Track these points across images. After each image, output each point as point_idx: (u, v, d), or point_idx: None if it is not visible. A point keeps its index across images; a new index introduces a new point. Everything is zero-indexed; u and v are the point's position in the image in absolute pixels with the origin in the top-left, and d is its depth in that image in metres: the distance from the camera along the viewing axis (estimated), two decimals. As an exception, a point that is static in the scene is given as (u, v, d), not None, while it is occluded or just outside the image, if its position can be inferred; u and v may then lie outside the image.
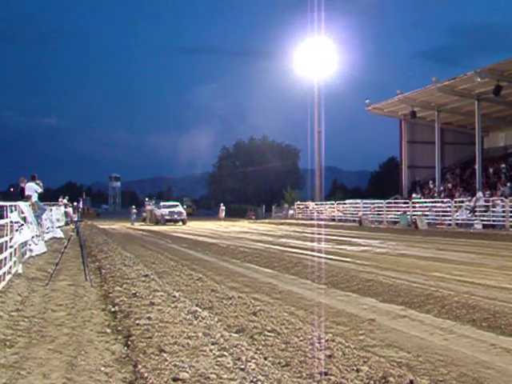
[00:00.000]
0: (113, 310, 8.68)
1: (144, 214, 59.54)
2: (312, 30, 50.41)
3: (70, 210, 44.13)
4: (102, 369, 5.70)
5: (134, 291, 9.95)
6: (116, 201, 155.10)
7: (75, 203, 53.79)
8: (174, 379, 5.11)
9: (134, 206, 57.32)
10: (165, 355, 5.83)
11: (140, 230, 40.88)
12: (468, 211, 32.34)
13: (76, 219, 18.24)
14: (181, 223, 49.63)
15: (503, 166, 41.54)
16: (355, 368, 5.60)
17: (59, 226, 30.42)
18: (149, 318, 7.60)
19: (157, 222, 50.40)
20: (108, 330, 7.43)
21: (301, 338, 6.77)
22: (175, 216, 50.14)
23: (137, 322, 7.46)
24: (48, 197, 45.70)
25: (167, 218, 49.52)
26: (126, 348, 6.49)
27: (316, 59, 50.60)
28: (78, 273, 13.17)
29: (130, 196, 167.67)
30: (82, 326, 7.60)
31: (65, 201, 46.32)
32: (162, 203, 55.09)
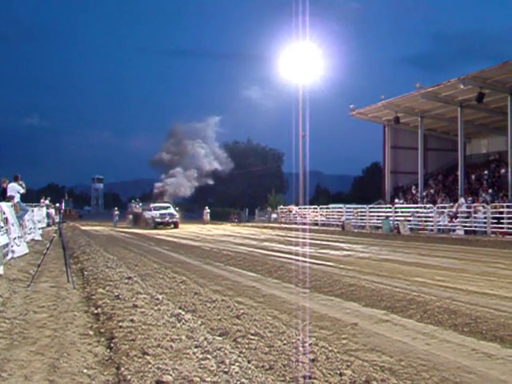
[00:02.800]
0: (95, 312, 8.63)
1: (130, 217, 57.50)
2: (297, 34, 50.50)
3: (51, 211, 43.89)
4: (85, 371, 5.67)
5: (116, 293, 9.91)
6: (99, 202, 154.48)
7: (57, 204, 53.43)
8: (157, 382, 5.09)
9: (116, 208, 57.04)
10: (148, 358, 5.81)
11: (123, 231, 40.74)
12: (450, 217, 32.55)
13: (58, 220, 18.12)
14: (172, 226, 47.14)
15: (485, 172, 41.91)
16: (338, 372, 5.62)
17: (41, 228, 30.23)
18: (132, 321, 7.57)
19: (146, 225, 47.74)
20: (90, 332, 7.39)
21: (284, 342, 6.78)
22: (167, 219, 47.20)
23: (120, 324, 7.42)
24: (30, 198, 45.34)
25: (158, 220, 46.60)
26: (108, 350, 6.46)
27: (301, 64, 50.72)
28: (60, 274, 13.08)
29: (112, 198, 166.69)
30: (64, 328, 7.55)
31: (47, 202, 46.07)
32: (152, 205, 51.57)
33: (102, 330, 7.42)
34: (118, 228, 47.86)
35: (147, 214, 48.67)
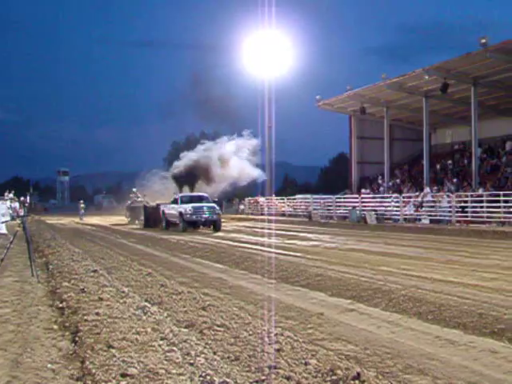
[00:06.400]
0: (60, 305, 8.56)
1: (127, 213, 44.85)
2: (263, 24, 50.36)
3: (16, 204, 43.32)
4: (49, 366, 5.62)
5: (82, 287, 9.83)
6: (64, 195, 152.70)
7: (22, 198, 52.73)
8: (123, 375, 5.07)
9: (82, 201, 56.24)
10: (113, 351, 5.78)
11: (89, 224, 40.35)
12: (416, 206, 32.88)
13: (22, 214, 17.89)
14: (207, 227, 31.88)
15: (450, 162, 42.38)
16: (304, 361, 5.64)
17: (4, 222, 29.81)
18: (97, 314, 7.52)
19: (166, 226, 33.17)
20: (55, 327, 7.32)
21: (250, 333, 6.79)
22: (205, 215, 30.97)
23: (85, 317, 7.37)
24: (-7, 191, 44.61)
25: (191, 218, 30.77)
26: (73, 344, 6.41)
27: (267, 54, 50.60)
28: (25, 268, 12.92)
29: (78, 190, 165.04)
30: (28, 323, 7.47)
31: (10, 195, 45.44)
32: (179, 194, 35.64)
33: (66, 324, 7.36)
34: (84, 221, 47.27)
35: (169, 210, 33.01)
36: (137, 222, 40.17)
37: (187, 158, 45.66)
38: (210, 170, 44.10)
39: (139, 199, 44.36)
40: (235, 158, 45.56)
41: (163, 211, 33.76)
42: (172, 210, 32.49)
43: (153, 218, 35.53)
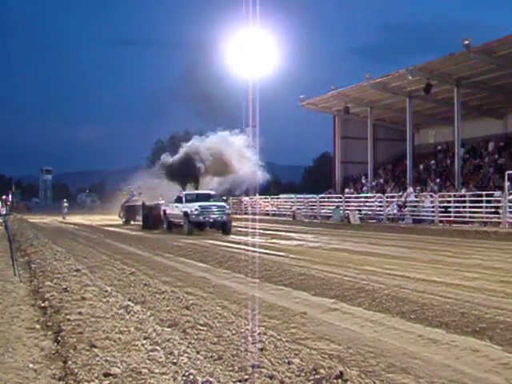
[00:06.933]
0: (42, 305, 8.51)
1: (122, 212, 41.35)
2: (247, 24, 50.30)
3: (-2, 203, 43.01)
4: (31, 365, 5.59)
5: (64, 286, 9.78)
6: (47, 194, 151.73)
7: (4, 196, 52.36)
8: (105, 374, 5.05)
9: (65, 200, 55.84)
10: (96, 350, 5.76)
11: (72, 223, 40.15)
12: (399, 206, 33.02)
13: (4, 213, 17.78)
14: (215, 229, 28.17)
15: (433, 162, 42.61)
16: (287, 360, 5.66)
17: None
18: (80, 313, 7.49)
19: (168, 228, 30.28)
20: (37, 326, 7.28)
21: (233, 332, 6.79)
22: (214, 216, 27.46)
23: (67, 317, 7.33)
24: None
25: (198, 219, 27.30)
26: (55, 344, 6.38)
27: (251, 53, 50.58)
28: (7, 268, 12.84)
29: (61, 189, 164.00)
30: (9, 323, 7.42)
31: (-8, 194, 45.11)
32: (183, 192, 31.10)
33: (49, 324, 7.32)
34: (67, 220, 46.98)
35: (172, 209, 29.79)
36: (132, 222, 37.81)
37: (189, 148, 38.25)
38: (224, 159, 37.12)
39: (134, 198, 40.72)
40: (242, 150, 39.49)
41: (164, 211, 30.63)
42: (175, 210, 29.03)
43: (152, 219, 32.41)
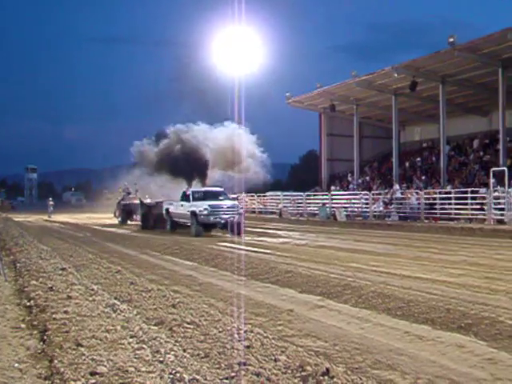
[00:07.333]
0: (28, 304, 8.47)
1: (118, 211, 38.99)
2: (233, 21, 50.19)
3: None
4: (16, 365, 5.57)
5: (50, 285, 9.73)
6: (32, 193, 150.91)
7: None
8: (92, 373, 5.03)
9: (50, 198, 55.50)
10: (82, 349, 5.74)
11: (57, 222, 39.92)
12: (385, 203, 33.14)
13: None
14: (226, 230, 25.08)
15: (418, 159, 42.78)
16: (273, 358, 5.66)
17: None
18: (66, 312, 7.45)
19: (172, 227, 27.83)
20: (23, 325, 7.25)
21: (220, 330, 6.79)
22: (225, 216, 24.89)
23: (53, 316, 7.29)
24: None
25: (208, 220, 24.74)
26: (41, 343, 6.35)
27: (237, 51, 50.50)
28: (-8, 267, 12.76)
29: (47, 187, 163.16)
30: (-5, 322, 7.38)
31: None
32: (190, 189, 27.63)
33: (34, 323, 7.29)
34: (53, 218, 46.68)
35: (177, 208, 27.26)
36: (129, 222, 35.81)
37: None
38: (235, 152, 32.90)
39: (131, 195, 38.16)
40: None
41: (167, 210, 28.06)
42: (181, 209, 26.47)
43: (153, 218, 30.11)
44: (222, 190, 28.04)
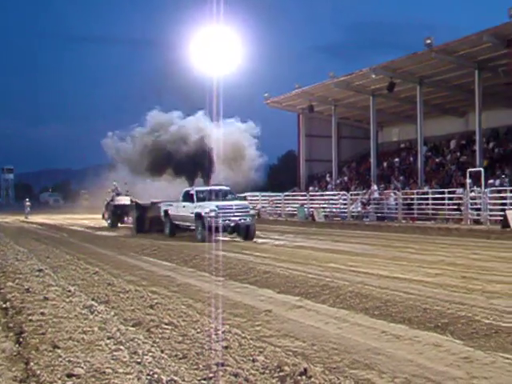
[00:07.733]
0: (4, 306, 8.40)
1: (107, 213, 35.36)
2: (211, 21, 50.05)
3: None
4: (-9, 368, 5.51)
5: (26, 286, 9.66)
6: (9, 193, 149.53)
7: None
8: (68, 375, 5.00)
9: (27, 199, 55.03)
10: (59, 351, 5.70)
11: (34, 223, 39.60)
12: (363, 204, 33.29)
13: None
14: (236, 235, 22.90)
15: (396, 160, 43.01)
16: (251, 358, 5.67)
17: None
18: (42, 314, 7.40)
19: (171, 231, 24.71)
20: (-2, 327, 7.18)
21: (198, 330, 6.79)
22: (234, 218, 21.78)
23: (29, 318, 7.24)
24: None
25: (213, 223, 21.15)
26: (17, 345, 6.30)
27: (216, 51, 50.36)
28: (-33, 269, 12.63)
29: (24, 188, 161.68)
30: (-30, 324, 7.31)
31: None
32: (194, 188, 24.70)
33: (10, 325, 7.22)
34: (30, 219, 46.24)
35: (178, 210, 24.15)
36: (120, 225, 32.56)
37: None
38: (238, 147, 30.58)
39: (120, 196, 34.34)
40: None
41: (166, 211, 24.96)
42: (182, 211, 23.48)
43: (149, 221, 27.03)
44: (228, 188, 24.87)
